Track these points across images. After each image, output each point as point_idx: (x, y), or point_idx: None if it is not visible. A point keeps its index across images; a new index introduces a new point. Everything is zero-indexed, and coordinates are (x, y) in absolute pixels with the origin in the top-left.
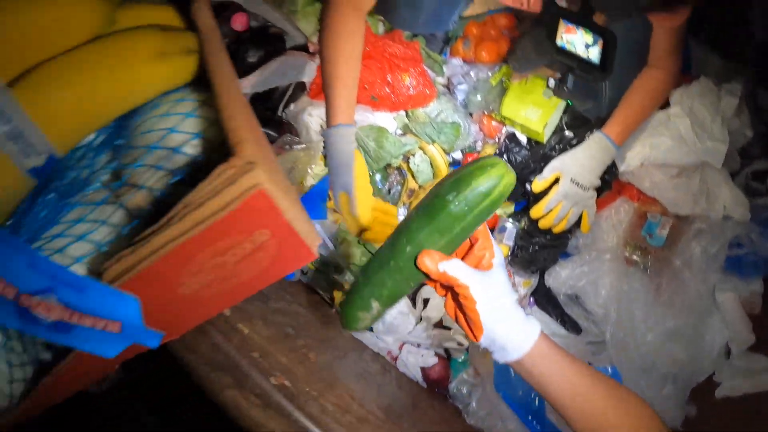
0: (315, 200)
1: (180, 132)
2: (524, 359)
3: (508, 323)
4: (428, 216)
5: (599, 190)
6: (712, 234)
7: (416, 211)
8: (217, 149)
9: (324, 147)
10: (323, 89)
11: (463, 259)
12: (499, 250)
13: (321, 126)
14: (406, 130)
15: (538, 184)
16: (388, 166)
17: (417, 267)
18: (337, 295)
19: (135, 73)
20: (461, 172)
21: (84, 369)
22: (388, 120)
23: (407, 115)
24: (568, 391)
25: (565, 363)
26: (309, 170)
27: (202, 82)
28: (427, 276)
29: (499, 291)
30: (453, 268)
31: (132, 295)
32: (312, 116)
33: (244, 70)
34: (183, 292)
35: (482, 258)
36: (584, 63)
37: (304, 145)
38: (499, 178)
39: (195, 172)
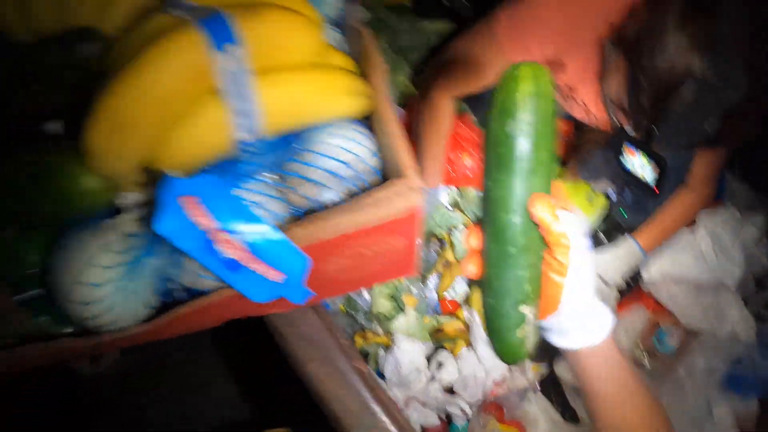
0: None
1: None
2: (586, 351)
3: (588, 307)
4: (502, 166)
5: (621, 293)
6: (716, 349)
7: (490, 180)
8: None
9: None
10: (419, 156)
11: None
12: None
13: None
14: (455, 205)
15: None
16: (432, 234)
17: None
18: (359, 341)
19: (336, 104)
20: (495, 100)
21: (212, 312)
22: (442, 192)
23: (459, 192)
24: (617, 401)
25: (627, 372)
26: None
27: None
28: None
29: (590, 269)
30: (566, 220)
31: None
32: None
33: None
34: (326, 269)
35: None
36: (640, 182)
37: None
38: (532, 72)
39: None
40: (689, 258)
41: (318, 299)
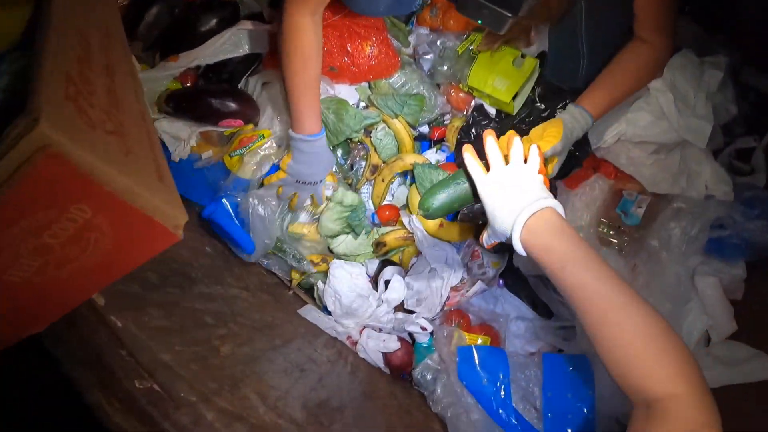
0: None
1: None
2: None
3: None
4: None
5: (569, 168)
6: (693, 214)
7: None
8: None
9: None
10: (288, 97)
11: None
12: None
13: None
14: (368, 102)
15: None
16: (350, 140)
17: None
18: (295, 276)
19: None
20: None
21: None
22: (350, 92)
23: (370, 87)
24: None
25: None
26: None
27: None
28: None
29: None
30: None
31: None
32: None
33: (195, 40)
34: (11, 279)
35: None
36: None
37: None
38: None
39: None
40: (647, 116)
41: (50, 316)
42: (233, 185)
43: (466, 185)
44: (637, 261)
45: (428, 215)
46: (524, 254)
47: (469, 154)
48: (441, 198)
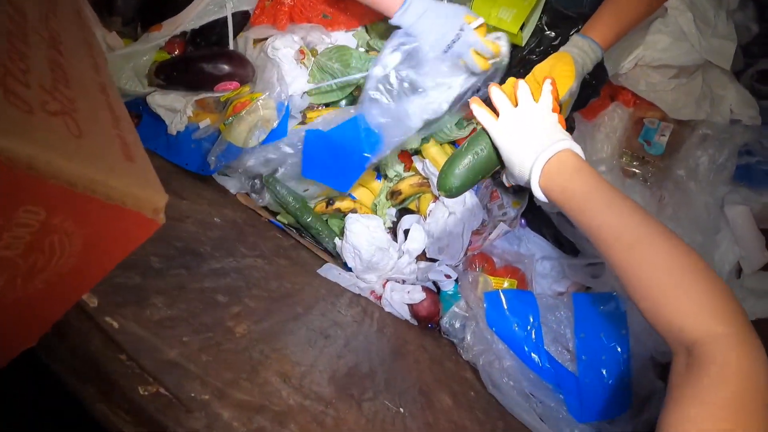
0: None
1: None
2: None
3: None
4: None
5: (586, 98)
6: (719, 140)
7: None
8: None
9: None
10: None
11: None
12: (522, 86)
13: (296, 55)
14: (367, 47)
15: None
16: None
17: None
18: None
19: None
20: None
21: None
22: (347, 39)
23: (367, 31)
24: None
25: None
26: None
27: None
28: None
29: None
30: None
31: None
32: (278, 50)
33: (177, 5)
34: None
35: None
36: None
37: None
38: None
39: None
40: (665, 38)
41: (37, 330)
42: (226, 153)
43: (487, 149)
44: (664, 192)
45: (451, 194)
46: (545, 200)
47: (476, 105)
48: (461, 172)
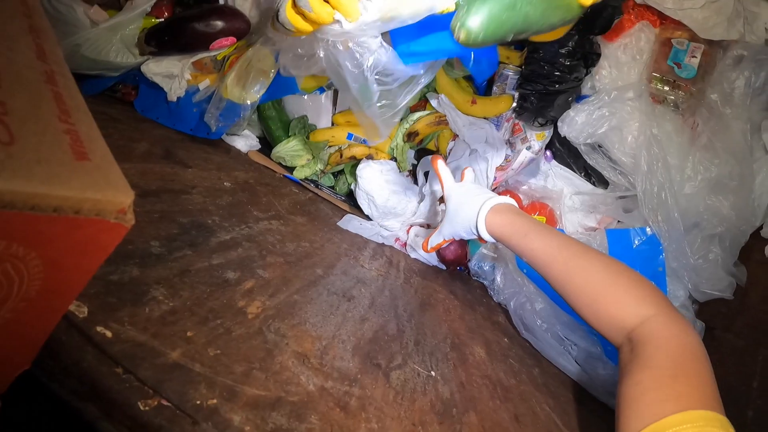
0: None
1: None
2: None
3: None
4: None
5: (609, 19)
6: (756, 62)
7: None
8: None
9: None
10: None
11: None
12: (469, 171)
13: None
14: None
15: None
16: None
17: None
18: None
19: None
20: None
21: None
22: None
23: None
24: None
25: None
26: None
27: None
28: None
29: (465, 190)
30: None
31: None
32: None
33: None
34: None
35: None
36: None
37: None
38: None
39: None
40: None
41: (29, 353)
42: (226, 112)
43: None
44: (697, 118)
45: (471, 38)
46: (489, 238)
47: (441, 163)
48: (491, 18)
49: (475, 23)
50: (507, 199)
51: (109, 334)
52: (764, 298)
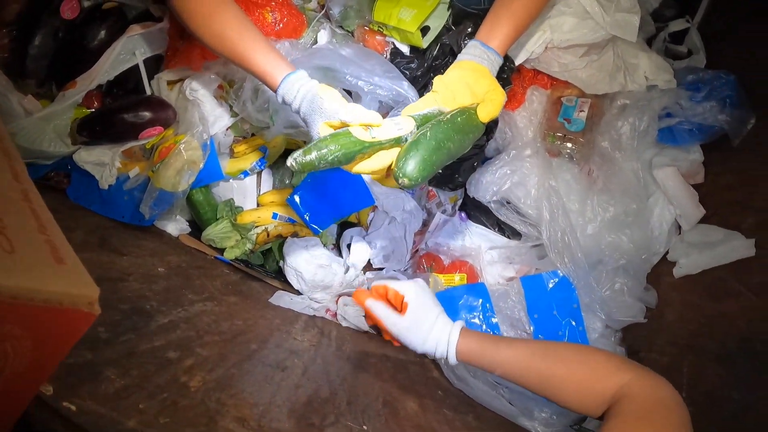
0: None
1: None
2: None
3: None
4: None
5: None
6: (638, 108)
7: None
8: None
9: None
10: (240, 65)
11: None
12: (410, 298)
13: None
14: None
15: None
16: None
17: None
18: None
19: None
20: None
21: None
22: None
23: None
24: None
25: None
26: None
27: None
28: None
29: (415, 322)
30: (376, 308)
31: None
32: (197, 91)
33: (88, 58)
34: None
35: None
36: None
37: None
38: None
39: None
40: (570, 19)
41: None
42: (158, 201)
43: (452, 122)
44: (592, 165)
45: (413, 183)
46: (455, 362)
47: (372, 301)
48: (427, 161)
49: (412, 170)
50: (459, 324)
51: (73, 407)
52: (680, 315)
